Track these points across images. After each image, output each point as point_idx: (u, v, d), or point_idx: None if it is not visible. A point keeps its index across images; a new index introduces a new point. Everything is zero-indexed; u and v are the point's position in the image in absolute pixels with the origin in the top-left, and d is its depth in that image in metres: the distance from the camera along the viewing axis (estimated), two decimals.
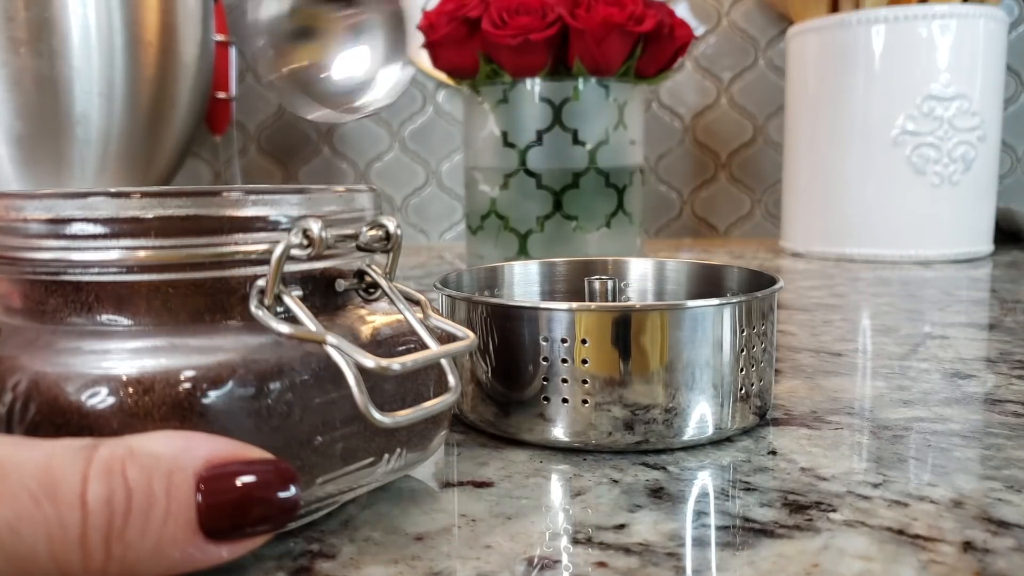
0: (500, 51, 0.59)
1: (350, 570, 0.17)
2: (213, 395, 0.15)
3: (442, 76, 0.83)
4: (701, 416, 0.23)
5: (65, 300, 0.17)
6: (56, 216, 0.16)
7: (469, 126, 0.65)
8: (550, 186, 0.61)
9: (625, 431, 0.23)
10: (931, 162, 0.65)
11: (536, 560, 0.17)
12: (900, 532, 0.18)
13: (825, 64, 0.69)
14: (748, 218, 0.91)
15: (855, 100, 0.67)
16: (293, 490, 0.15)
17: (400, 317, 0.20)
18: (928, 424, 0.25)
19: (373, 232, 0.19)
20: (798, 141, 0.73)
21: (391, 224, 0.19)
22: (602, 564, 0.17)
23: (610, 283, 0.29)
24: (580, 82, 0.60)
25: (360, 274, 0.20)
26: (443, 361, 0.19)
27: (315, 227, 0.17)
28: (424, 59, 0.73)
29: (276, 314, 0.17)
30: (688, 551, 0.17)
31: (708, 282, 0.31)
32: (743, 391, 0.24)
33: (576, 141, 0.61)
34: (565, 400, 0.23)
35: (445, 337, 0.20)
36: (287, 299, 0.17)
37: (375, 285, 0.20)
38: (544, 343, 0.23)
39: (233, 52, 0.80)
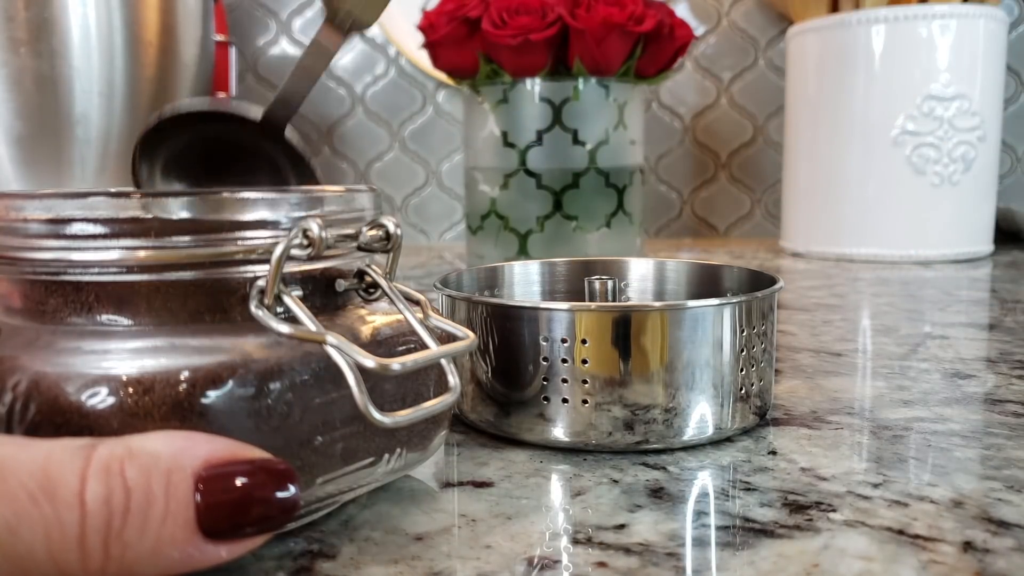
0: (500, 51, 0.59)
1: (350, 570, 0.17)
2: (213, 395, 0.15)
3: (442, 76, 0.83)
4: (701, 416, 0.23)
5: (65, 300, 0.17)
6: (56, 216, 0.16)
7: (469, 126, 0.65)
8: (550, 186, 0.61)
9: (625, 431, 0.23)
10: (931, 162, 0.65)
11: (536, 560, 0.17)
12: (900, 532, 0.18)
13: (825, 64, 0.69)
14: (748, 218, 0.91)
15: (855, 100, 0.67)
16: (292, 490, 0.15)
17: (400, 317, 0.20)
18: (928, 424, 0.25)
19: (373, 232, 0.19)
20: (798, 141, 0.73)
21: (391, 224, 0.19)
22: (602, 564, 0.17)
23: (610, 283, 0.29)
24: (580, 82, 0.60)
25: (360, 274, 0.20)
26: (443, 361, 0.19)
27: (315, 227, 0.17)
28: (424, 59, 0.73)
29: (276, 314, 0.17)
30: (688, 551, 0.17)
31: (708, 282, 0.31)
32: (743, 391, 0.24)
33: (576, 141, 0.61)
34: (565, 400, 0.23)
35: (445, 337, 0.20)
36: (287, 299, 0.17)
37: (375, 285, 0.20)
38: (544, 343, 0.23)
39: (233, 52, 0.80)
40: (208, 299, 0.17)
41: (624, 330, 0.22)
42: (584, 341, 0.22)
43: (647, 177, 0.90)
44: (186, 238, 0.16)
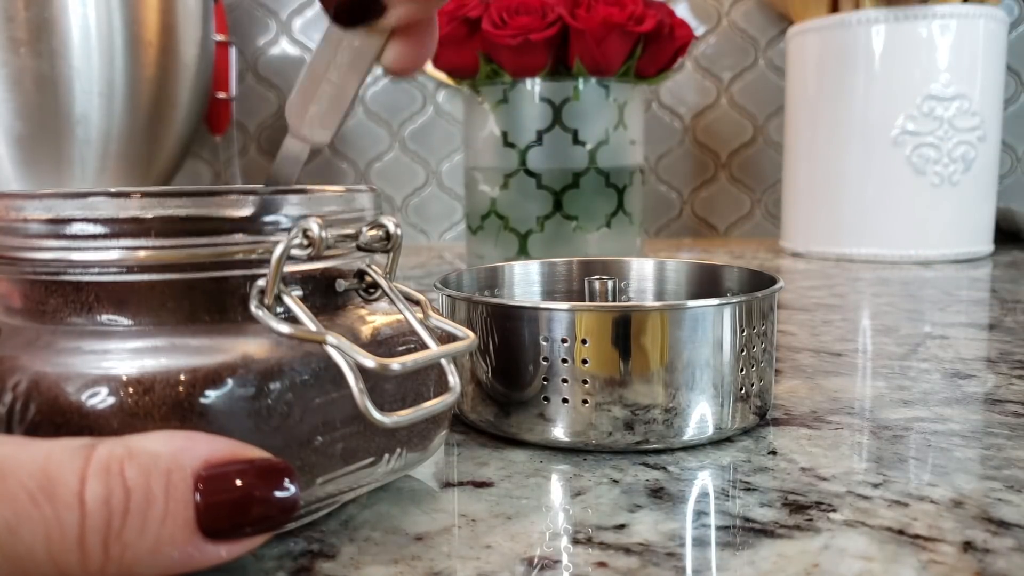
0: (500, 51, 0.59)
1: (350, 570, 0.17)
2: (213, 395, 0.15)
3: (442, 76, 0.83)
4: (701, 416, 0.23)
5: (65, 300, 0.17)
6: (56, 216, 0.16)
7: (469, 126, 0.65)
8: (550, 186, 0.61)
9: (625, 431, 0.23)
10: (931, 162, 0.65)
11: (536, 560, 0.17)
12: (900, 532, 0.18)
13: (825, 64, 0.69)
14: (748, 218, 0.91)
15: (855, 100, 0.67)
16: (292, 490, 0.15)
17: (400, 317, 0.20)
18: (928, 424, 0.25)
19: (373, 232, 0.19)
20: (798, 141, 0.73)
21: (391, 224, 0.19)
22: (602, 564, 0.17)
23: (610, 283, 0.29)
24: (580, 82, 0.60)
25: (360, 274, 0.20)
26: (443, 361, 0.19)
27: (315, 227, 0.17)
28: None
29: (276, 314, 0.17)
30: (688, 551, 0.17)
31: (708, 282, 0.31)
32: (743, 391, 0.24)
33: (576, 141, 0.61)
34: (565, 400, 0.23)
35: (445, 337, 0.20)
36: (287, 299, 0.17)
37: (375, 285, 0.20)
38: (544, 343, 0.23)
39: (233, 52, 0.80)
40: (208, 299, 0.17)
41: (624, 330, 0.22)
42: (584, 341, 0.22)
43: (647, 177, 0.90)
44: (186, 238, 0.16)
